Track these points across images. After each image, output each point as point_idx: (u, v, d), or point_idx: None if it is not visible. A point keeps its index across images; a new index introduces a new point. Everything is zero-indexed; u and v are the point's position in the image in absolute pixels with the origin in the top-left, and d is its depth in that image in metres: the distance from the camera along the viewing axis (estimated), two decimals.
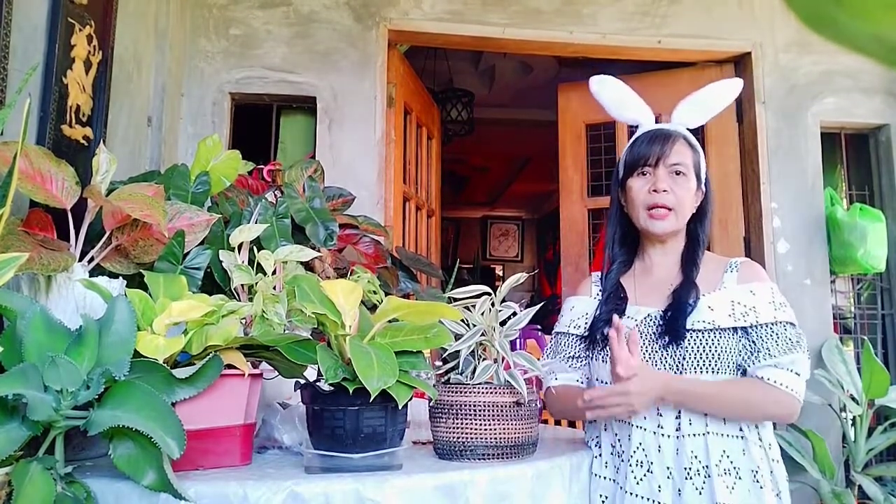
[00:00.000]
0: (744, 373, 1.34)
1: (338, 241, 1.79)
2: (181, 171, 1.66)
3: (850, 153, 3.21)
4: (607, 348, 1.32)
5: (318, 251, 1.68)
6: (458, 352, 1.26)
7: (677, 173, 1.41)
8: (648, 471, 1.31)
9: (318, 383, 1.12)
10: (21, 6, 1.53)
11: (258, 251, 1.33)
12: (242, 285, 1.30)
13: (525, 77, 4.66)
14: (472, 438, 1.20)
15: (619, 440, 1.38)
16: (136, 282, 1.26)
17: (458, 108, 4.39)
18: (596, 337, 1.41)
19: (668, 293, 1.39)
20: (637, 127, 1.50)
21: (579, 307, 1.52)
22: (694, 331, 1.33)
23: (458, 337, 1.25)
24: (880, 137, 3.12)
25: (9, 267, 0.89)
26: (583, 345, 1.46)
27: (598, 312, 1.44)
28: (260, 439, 1.31)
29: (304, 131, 2.84)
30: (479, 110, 4.58)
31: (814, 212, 2.95)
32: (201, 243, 1.46)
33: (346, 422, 1.08)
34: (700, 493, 1.27)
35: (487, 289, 1.30)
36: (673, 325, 1.33)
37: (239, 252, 1.36)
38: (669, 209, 1.40)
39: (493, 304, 1.28)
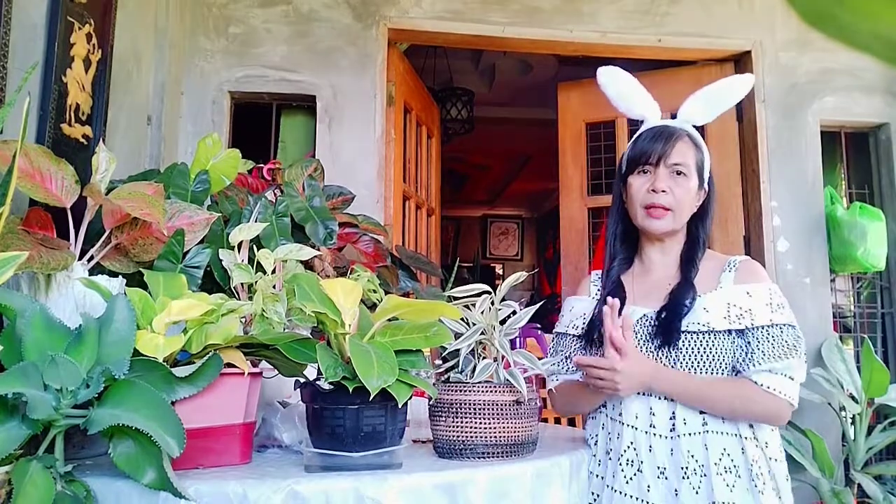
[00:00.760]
0: (738, 373, 1.32)
1: (337, 239, 1.79)
2: (181, 170, 1.66)
3: (850, 152, 3.21)
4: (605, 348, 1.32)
5: (318, 250, 1.68)
6: (457, 350, 1.25)
7: (678, 173, 1.39)
8: (638, 470, 1.30)
9: (317, 382, 1.11)
10: (20, 4, 1.53)
11: (258, 250, 1.33)
12: (242, 284, 1.30)
13: (525, 75, 4.66)
14: (472, 437, 1.20)
15: (610, 438, 1.37)
16: (135, 280, 1.26)
17: (458, 106, 4.39)
18: (593, 337, 1.41)
19: (666, 293, 1.38)
20: (641, 122, 1.47)
21: (578, 307, 1.51)
22: (689, 332, 1.31)
23: (457, 336, 1.25)
24: (880, 136, 3.12)
25: (8, 266, 0.89)
26: (581, 345, 1.46)
27: (595, 311, 1.44)
28: (260, 438, 1.31)
29: (304, 130, 2.84)
30: (479, 109, 4.58)
31: (814, 210, 2.95)
32: (201, 242, 1.46)
33: (346, 420, 1.07)
34: (697, 493, 1.26)
35: (487, 287, 1.30)
36: (667, 328, 1.32)
37: (239, 251, 1.36)
38: (667, 209, 1.38)
39: (492, 303, 1.28)
